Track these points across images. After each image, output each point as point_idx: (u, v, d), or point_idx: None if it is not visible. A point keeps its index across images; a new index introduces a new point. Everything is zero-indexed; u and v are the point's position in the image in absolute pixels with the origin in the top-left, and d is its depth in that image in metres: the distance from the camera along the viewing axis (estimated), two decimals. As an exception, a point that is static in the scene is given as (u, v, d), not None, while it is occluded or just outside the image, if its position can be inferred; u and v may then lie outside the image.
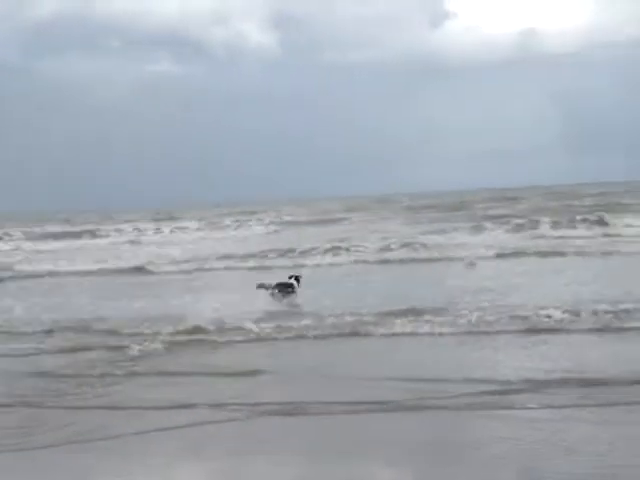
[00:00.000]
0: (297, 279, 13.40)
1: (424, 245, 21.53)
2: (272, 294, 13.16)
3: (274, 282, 13.35)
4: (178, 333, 10.09)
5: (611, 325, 9.41)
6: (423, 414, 6.50)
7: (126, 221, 43.72)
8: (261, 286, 13.29)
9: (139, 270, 19.83)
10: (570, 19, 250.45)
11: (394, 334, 9.66)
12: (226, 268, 19.32)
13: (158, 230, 37.64)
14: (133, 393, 7.56)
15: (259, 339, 9.84)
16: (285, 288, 13.28)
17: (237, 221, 39.53)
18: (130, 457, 5.82)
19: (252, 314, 11.06)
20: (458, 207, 42.08)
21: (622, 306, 10.04)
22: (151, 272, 19.38)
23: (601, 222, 26.00)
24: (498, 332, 9.40)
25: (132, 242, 32.44)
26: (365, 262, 19.38)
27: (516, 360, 8.13)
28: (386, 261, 19.38)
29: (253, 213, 44.93)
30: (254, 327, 10.26)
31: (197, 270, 19.12)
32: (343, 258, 19.95)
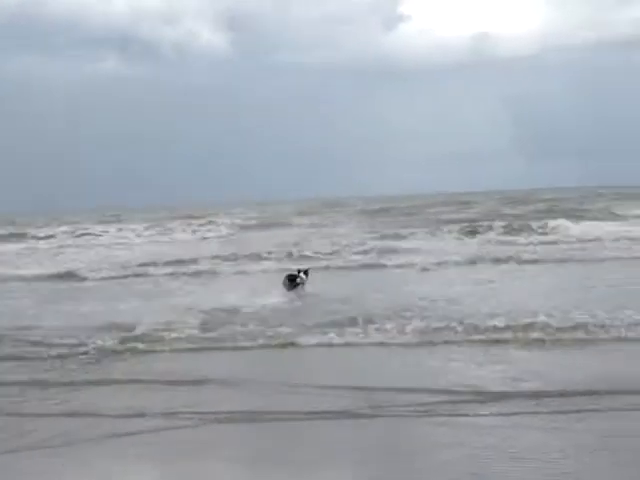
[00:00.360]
0: (305, 273, 14.99)
1: (376, 250, 21.53)
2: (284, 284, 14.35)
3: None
4: (123, 341, 9.94)
5: (562, 335, 9.43)
6: (375, 422, 6.51)
7: (72, 222, 42.69)
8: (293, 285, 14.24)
9: (81, 275, 19.22)
10: (523, 23, 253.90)
11: (338, 344, 9.56)
12: (172, 273, 18.88)
13: (105, 232, 36.87)
14: (89, 400, 7.51)
15: (206, 347, 9.74)
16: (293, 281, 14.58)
17: (186, 224, 38.99)
18: (89, 463, 5.82)
19: (198, 321, 10.92)
20: (412, 212, 41.92)
21: (573, 315, 10.13)
22: (93, 278, 18.83)
23: (554, 228, 26.18)
24: (449, 341, 9.42)
25: (77, 245, 31.76)
26: (315, 268, 19.26)
27: (467, 369, 8.18)
28: (336, 267, 19.28)
29: (203, 216, 44.34)
30: (201, 334, 10.18)
31: (143, 275, 18.73)
32: (292, 264, 19.78)
